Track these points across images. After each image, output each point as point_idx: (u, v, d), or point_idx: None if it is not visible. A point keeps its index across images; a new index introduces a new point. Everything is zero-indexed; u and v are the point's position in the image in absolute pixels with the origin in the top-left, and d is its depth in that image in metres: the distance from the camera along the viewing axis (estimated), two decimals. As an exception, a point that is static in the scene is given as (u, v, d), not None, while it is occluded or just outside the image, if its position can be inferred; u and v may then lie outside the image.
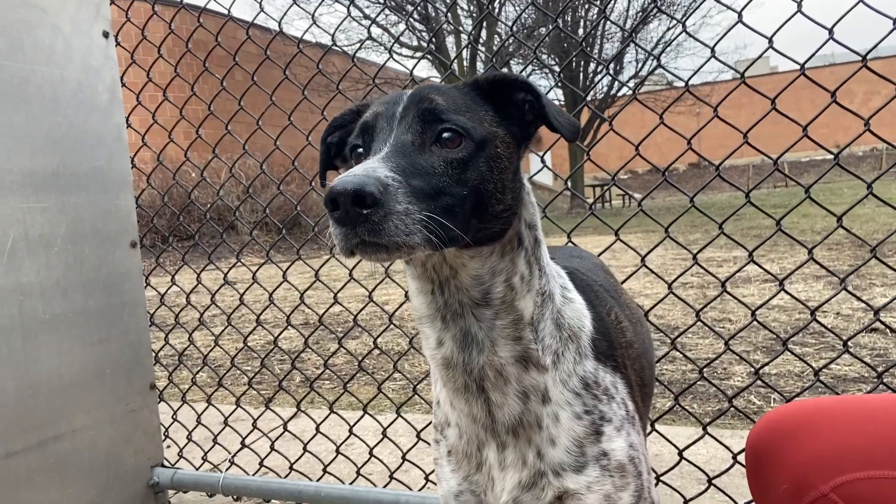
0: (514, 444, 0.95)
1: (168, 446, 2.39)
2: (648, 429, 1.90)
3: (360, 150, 0.81)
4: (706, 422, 1.75)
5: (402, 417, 2.02)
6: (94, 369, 2.06)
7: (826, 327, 1.67)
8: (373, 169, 0.69)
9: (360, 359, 2.13)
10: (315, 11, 2.26)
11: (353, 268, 1.86)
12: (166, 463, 2.28)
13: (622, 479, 0.92)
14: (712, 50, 1.67)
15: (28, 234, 1.89)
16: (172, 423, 2.44)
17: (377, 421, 2.01)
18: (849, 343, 1.53)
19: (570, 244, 1.71)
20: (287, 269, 2.18)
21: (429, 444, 1.79)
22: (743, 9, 1.61)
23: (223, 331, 2.84)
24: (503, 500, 0.97)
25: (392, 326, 2.02)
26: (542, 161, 1.85)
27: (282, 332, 2.47)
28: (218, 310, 2.42)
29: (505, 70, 0.92)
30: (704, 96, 1.72)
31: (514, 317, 0.88)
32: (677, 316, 5.05)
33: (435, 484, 1.97)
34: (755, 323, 4.94)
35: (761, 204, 1.58)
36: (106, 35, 2.16)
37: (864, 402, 0.93)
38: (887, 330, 2.61)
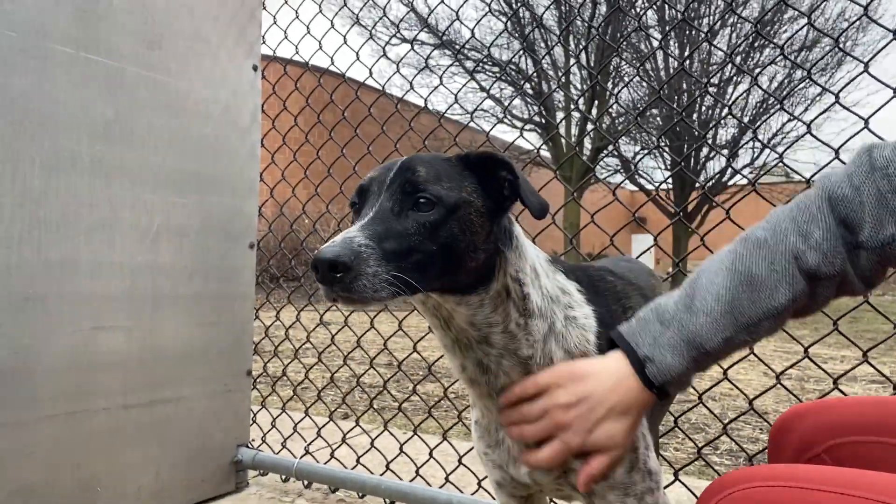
0: None
1: (252, 440, 2.62)
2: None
3: (357, 206, 1.00)
4: None
5: (462, 423, 2.16)
6: (203, 348, 2.35)
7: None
8: (350, 238, 0.86)
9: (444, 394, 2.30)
10: (440, 81, 2.54)
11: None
12: (250, 445, 2.51)
13: None
14: (808, 125, 1.75)
15: (169, 223, 2.24)
16: (260, 409, 2.69)
17: (439, 423, 2.15)
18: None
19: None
20: (375, 316, 2.48)
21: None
22: (840, 90, 1.68)
23: (316, 361, 3.10)
24: (523, 471, 1.11)
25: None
26: (656, 241, 2.00)
27: (375, 358, 2.70)
28: (312, 344, 2.69)
29: (491, 150, 1.02)
30: None
31: (518, 360, 1.03)
32: (769, 403, 4.87)
33: (486, 491, 2.08)
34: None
35: (885, 310, 1.59)
36: (255, 68, 2.57)
37: (875, 398, 1.07)
38: None
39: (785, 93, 16.15)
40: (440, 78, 2.49)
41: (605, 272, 1.19)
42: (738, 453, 3.49)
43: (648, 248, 2.04)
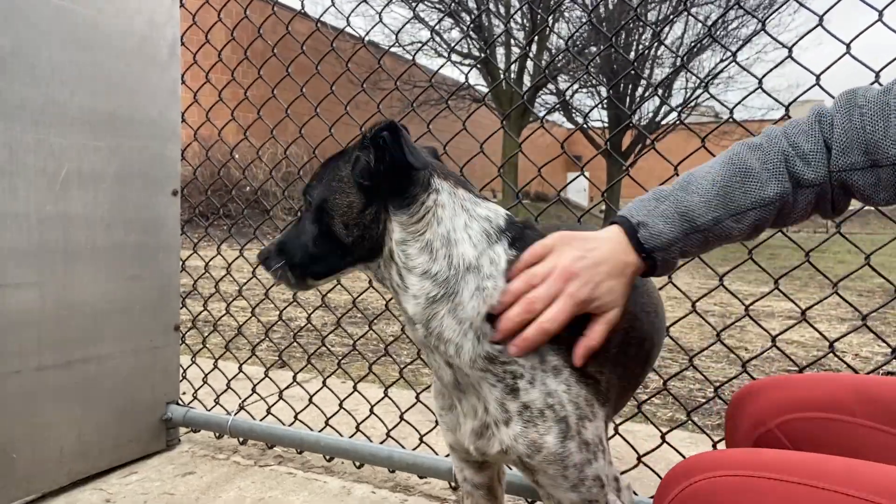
0: (465, 398, 1.09)
1: (184, 393, 2.52)
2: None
3: None
4: (715, 438, 1.82)
5: (403, 379, 2.12)
6: (125, 302, 2.19)
7: (845, 362, 1.69)
8: (272, 243, 1.13)
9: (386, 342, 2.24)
10: (382, 11, 2.33)
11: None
12: (181, 402, 2.41)
13: (544, 425, 1.00)
14: (759, 80, 1.69)
15: (81, 169, 2.04)
16: (191, 365, 2.57)
17: (380, 380, 2.10)
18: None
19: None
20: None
21: (426, 406, 1.89)
22: (794, 45, 1.61)
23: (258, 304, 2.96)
24: (466, 444, 1.11)
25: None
26: (582, 171, 1.93)
27: (313, 313, 2.60)
28: (244, 296, 2.55)
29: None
30: (753, 133, 1.74)
31: (405, 315, 1.08)
32: (694, 340, 5.07)
33: (428, 445, 2.07)
34: (771, 354, 4.89)
35: (799, 247, 1.62)
36: (172, -5, 2.32)
37: (828, 375, 1.09)
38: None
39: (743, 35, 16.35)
40: (381, 9, 2.31)
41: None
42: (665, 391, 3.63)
43: (601, 201, 2.00)
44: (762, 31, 1.79)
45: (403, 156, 0.99)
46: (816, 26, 1.56)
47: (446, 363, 1.06)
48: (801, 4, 1.61)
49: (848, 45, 1.51)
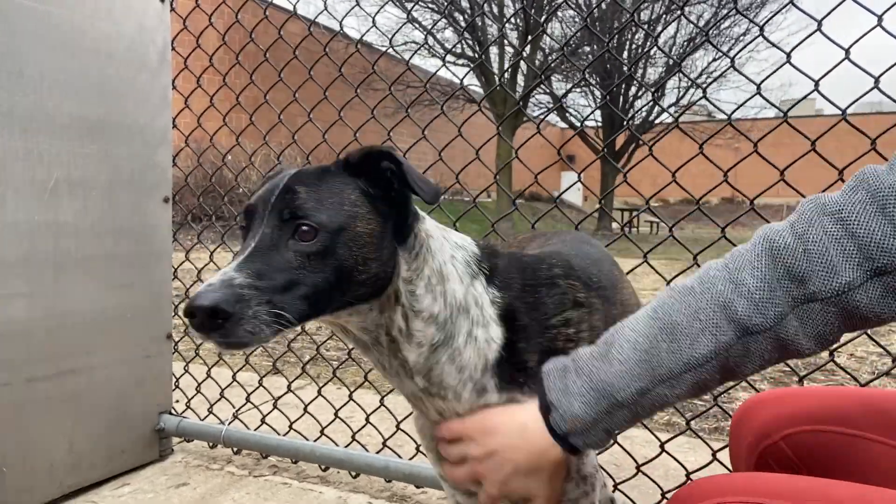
0: None
1: (177, 401, 2.49)
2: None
3: (244, 229, 0.93)
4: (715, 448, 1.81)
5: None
6: (117, 312, 2.16)
7: (838, 364, 1.66)
8: (230, 280, 0.79)
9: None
10: (375, 15, 2.31)
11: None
12: (173, 411, 2.38)
13: None
14: (758, 86, 1.67)
15: (71, 176, 2.01)
16: (184, 374, 2.55)
17: (376, 389, 2.08)
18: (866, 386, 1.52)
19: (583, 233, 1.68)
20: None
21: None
22: (792, 50, 1.60)
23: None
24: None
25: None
26: (579, 178, 1.92)
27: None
28: None
29: (372, 144, 0.96)
30: (745, 132, 1.75)
31: (400, 361, 0.98)
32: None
33: (425, 455, 2.04)
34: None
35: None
36: (162, 0, 2.29)
37: (835, 388, 1.09)
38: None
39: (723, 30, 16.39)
40: (375, 13, 2.28)
41: (559, 274, 1.07)
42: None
43: (598, 209, 1.98)
44: (756, 32, 1.77)
45: (416, 186, 0.88)
46: (815, 31, 1.54)
47: (437, 410, 1.01)
48: (796, 7, 1.59)
49: (847, 51, 1.50)
